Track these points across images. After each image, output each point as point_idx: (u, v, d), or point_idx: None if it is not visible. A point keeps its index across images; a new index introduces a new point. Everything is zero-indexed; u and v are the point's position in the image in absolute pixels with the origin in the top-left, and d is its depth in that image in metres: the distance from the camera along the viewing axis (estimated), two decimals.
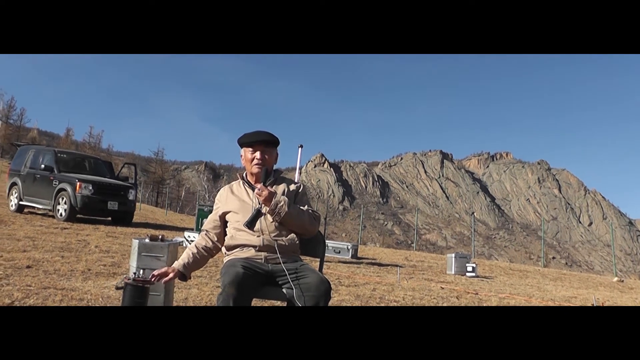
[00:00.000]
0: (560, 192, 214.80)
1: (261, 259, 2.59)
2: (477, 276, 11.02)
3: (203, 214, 10.79)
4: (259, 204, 2.63)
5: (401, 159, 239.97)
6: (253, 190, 2.71)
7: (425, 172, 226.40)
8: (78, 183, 11.42)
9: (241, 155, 2.87)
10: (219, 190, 3.01)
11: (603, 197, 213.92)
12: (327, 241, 9.14)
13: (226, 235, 2.76)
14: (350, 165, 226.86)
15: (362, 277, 8.13)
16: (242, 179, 2.87)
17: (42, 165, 12.21)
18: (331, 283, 2.53)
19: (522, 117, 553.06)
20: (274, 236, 2.65)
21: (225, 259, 2.67)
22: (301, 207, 2.74)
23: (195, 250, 2.68)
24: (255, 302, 3.91)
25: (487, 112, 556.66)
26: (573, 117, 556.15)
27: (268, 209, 2.62)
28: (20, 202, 12.54)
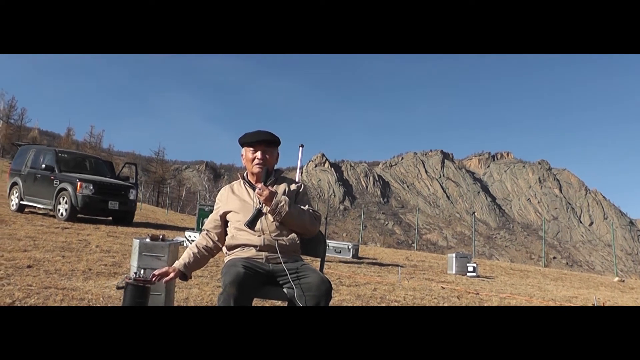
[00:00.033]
0: (561, 192, 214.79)
1: (262, 258, 2.59)
2: (477, 276, 11.01)
3: (204, 214, 10.79)
4: (260, 203, 2.64)
5: (402, 158, 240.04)
6: (254, 190, 2.71)
7: (426, 171, 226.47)
8: (79, 183, 11.42)
9: (242, 155, 2.87)
10: (219, 190, 3.02)
11: (604, 197, 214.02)
12: (327, 241, 9.15)
13: (227, 235, 2.76)
14: (351, 165, 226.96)
15: (363, 277, 8.13)
16: (243, 178, 2.87)
17: (43, 165, 12.22)
18: (332, 283, 2.54)
19: (522, 117, 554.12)
20: (275, 236, 2.65)
21: (226, 259, 2.67)
22: (302, 207, 2.74)
23: (196, 250, 2.68)
24: (256, 302, 3.91)
25: (487, 112, 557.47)
26: (573, 117, 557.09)
27: (269, 208, 2.62)
28: (21, 202, 12.56)
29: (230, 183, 2.95)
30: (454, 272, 11.07)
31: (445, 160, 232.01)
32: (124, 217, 12.95)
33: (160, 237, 3.63)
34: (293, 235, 2.71)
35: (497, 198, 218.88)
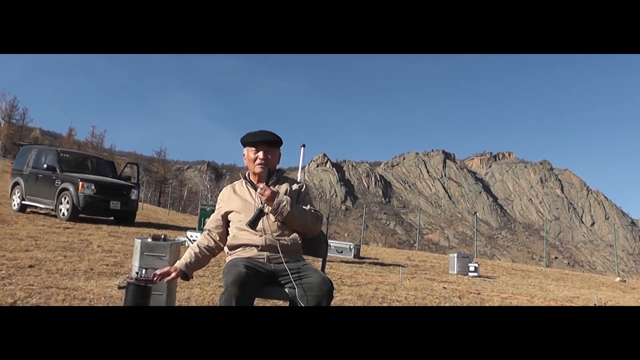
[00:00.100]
0: (563, 192, 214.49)
1: (263, 258, 2.59)
2: (479, 276, 11.01)
3: (205, 214, 10.81)
4: (262, 203, 2.64)
5: (403, 158, 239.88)
6: (256, 190, 2.71)
7: (428, 172, 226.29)
8: (80, 183, 11.44)
9: (244, 155, 2.87)
10: (221, 190, 3.02)
11: (605, 197, 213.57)
12: (329, 241, 9.15)
13: (228, 234, 2.76)
14: (352, 165, 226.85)
15: (365, 277, 8.13)
16: (245, 178, 2.87)
17: (45, 165, 12.24)
18: (333, 283, 2.53)
19: (523, 117, 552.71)
20: (277, 236, 2.65)
21: (228, 259, 2.68)
22: (303, 207, 2.74)
23: (197, 250, 2.68)
24: (258, 302, 3.91)
25: (488, 112, 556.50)
26: (574, 117, 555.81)
27: (270, 208, 2.62)
28: (23, 202, 12.58)
29: (232, 183, 2.95)
30: (455, 272, 11.07)
31: (447, 160, 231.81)
32: (126, 217, 12.96)
33: (162, 237, 3.64)
34: (295, 235, 2.71)
35: (499, 198, 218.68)
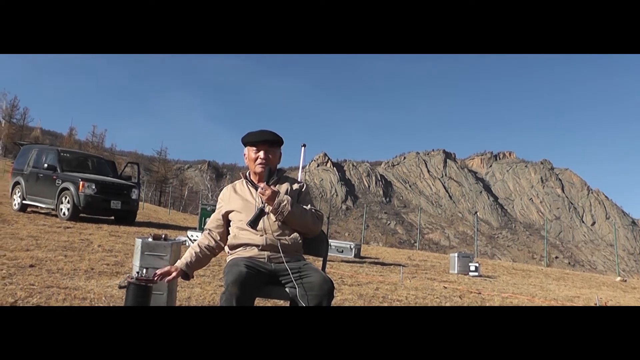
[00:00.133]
0: (563, 192, 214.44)
1: (264, 258, 2.59)
2: (480, 276, 11.01)
3: (206, 213, 10.80)
4: (262, 203, 2.64)
5: (404, 158, 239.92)
6: (256, 190, 2.71)
7: (428, 171, 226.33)
8: (81, 182, 11.45)
9: (244, 154, 2.87)
10: (221, 190, 3.02)
11: (606, 196, 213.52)
12: (330, 240, 9.16)
13: (229, 234, 2.76)
14: (353, 165, 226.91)
15: (365, 277, 8.13)
16: (245, 178, 2.87)
17: (45, 165, 12.24)
18: (334, 282, 2.54)
19: (524, 117, 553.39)
20: (277, 235, 2.65)
21: (228, 258, 2.68)
22: (304, 207, 2.74)
23: (198, 250, 2.68)
24: (258, 302, 3.91)
25: (489, 111, 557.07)
26: (574, 116, 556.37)
27: (271, 208, 2.62)
28: (24, 202, 12.58)
29: (233, 182, 2.95)
30: (456, 272, 11.07)
31: (448, 160, 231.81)
32: (126, 217, 12.97)
33: (163, 236, 3.64)
34: (295, 234, 2.71)
35: (500, 198, 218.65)
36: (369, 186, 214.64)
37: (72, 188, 11.47)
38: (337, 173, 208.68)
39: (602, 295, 9.36)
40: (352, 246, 12.51)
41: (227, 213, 2.78)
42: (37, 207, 12.68)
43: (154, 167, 72.36)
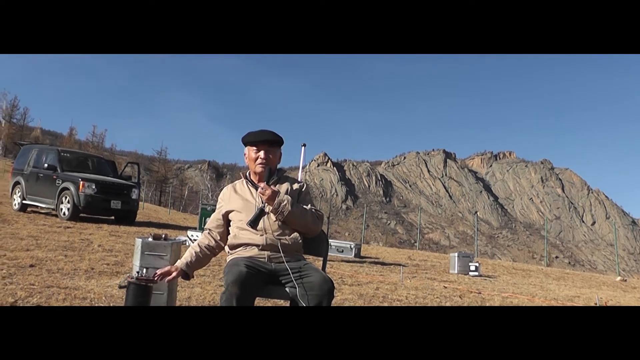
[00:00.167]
0: (564, 192, 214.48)
1: (264, 258, 2.59)
2: (480, 275, 11.01)
3: (206, 213, 10.81)
4: (262, 203, 2.64)
5: (404, 158, 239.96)
6: (256, 189, 2.71)
7: (429, 171, 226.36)
8: (81, 182, 11.45)
9: (245, 154, 2.87)
10: (222, 189, 3.02)
11: (606, 196, 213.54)
12: (330, 240, 9.15)
13: (229, 234, 2.76)
14: (353, 165, 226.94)
15: (365, 276, 8.13)
16: (246, 178, 2.87)
17: (46, 165, 12.24)
18: (334, 282, 2.54)
19: (524, 117, 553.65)
20: (277, 235, 2.65)
21: (229, 258, 2.68)
22: (304, 207, 2.74)
23: (198, 249, 2.68)
24: (259, 301, 3.91)
25: (489, 111, 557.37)
26: (574, 116, 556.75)
27: (271, 208, 2.62)
28: (24, 201, 12.58)
29: (233, 182, 2.95)
30: (456, 272, 11.07)
31: (448, 160, 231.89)
32: (127, 217, 12.97)
33: (163, 236, 3.64)
34: (295, 234, 2.71)
35: (500, 197, 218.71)
36: (369, 186, 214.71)
37: (72, 188, 11.47)
38: (337, 173, 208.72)
39: (602, 295, 9.36)
40: (352, 246, 12.51)
41: (227, 213, 2.78)
42: (37, 207, 12.68)
43: (154, 167, 72.37)
